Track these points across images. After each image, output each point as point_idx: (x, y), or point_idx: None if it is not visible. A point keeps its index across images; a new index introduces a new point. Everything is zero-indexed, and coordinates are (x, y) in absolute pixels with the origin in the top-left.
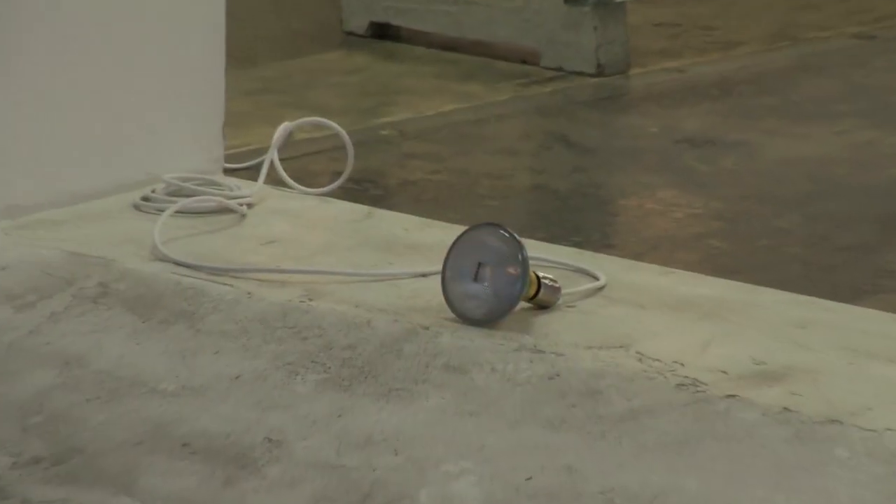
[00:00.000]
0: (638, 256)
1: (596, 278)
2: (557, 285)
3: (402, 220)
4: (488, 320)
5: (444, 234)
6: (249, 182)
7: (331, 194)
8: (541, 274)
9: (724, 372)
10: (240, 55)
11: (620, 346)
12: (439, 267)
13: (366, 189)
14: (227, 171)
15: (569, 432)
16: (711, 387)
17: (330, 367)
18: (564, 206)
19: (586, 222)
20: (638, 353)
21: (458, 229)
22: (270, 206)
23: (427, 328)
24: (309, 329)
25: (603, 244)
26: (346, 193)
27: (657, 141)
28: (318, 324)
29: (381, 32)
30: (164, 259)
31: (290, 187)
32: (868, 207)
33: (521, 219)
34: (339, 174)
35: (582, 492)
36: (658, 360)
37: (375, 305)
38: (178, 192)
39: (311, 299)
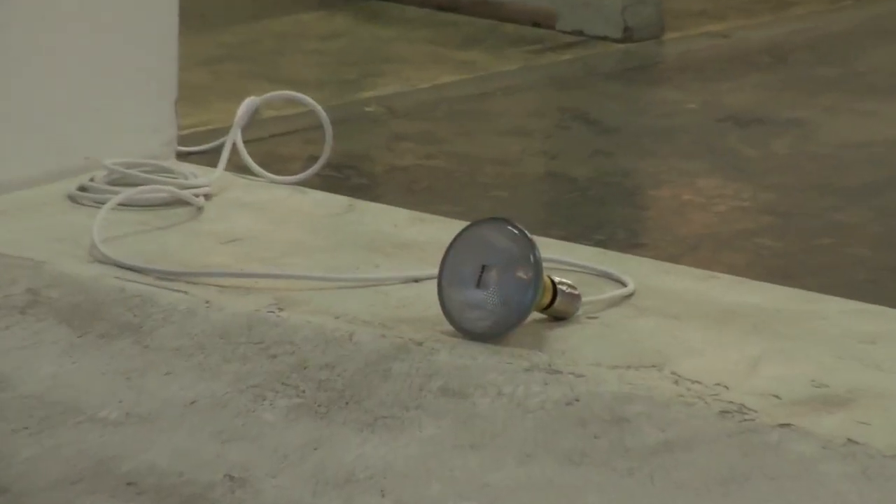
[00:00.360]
0: (673, 258)
1: (623, 284)
2: (576, 292)
3: (391, 215)
4: (494, 334)
5: (441, 230)
6: (208, 169)
7: (305, 183)
8: (557, 279)
9: (777, 396)
10: (196, 17)
11: (652, 366)
12: (435, 270)
13: (347, 177)
14: (181, 156)
15: (590, 469)
16: (761, 414)
17: (304, 391)
18: (584, 198)
19: (611, 217)
20: (673, 373)
21: (459, 225)
22: (233, 197)
23: (420, 344)
24: (279, 345)
25: (631, 243)
26: (323, 182)
27: (696, 119)
28: (289, 338)
29: None
30: (104, 261)
31: (256, 175)
32: None
33: (533, 213)
34: (314, 159)
35: None
36: (697, 382)
37: (358, 316)
38: (121, 181)
39: (281, 309)
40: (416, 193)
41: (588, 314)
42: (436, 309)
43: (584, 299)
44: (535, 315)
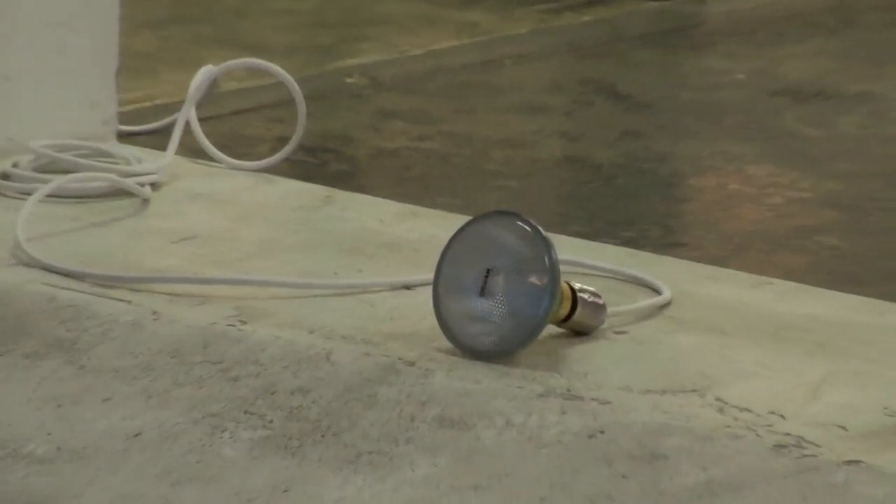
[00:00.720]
0: (718, 260)
1: (657, 292)
2: (601, 302)
3: (377, 208)
4: (501, 352)
5: (438, 227)
6: (155, 152)
7: (273, 170)
8: (577, 285)
9: (843, 427)
10: None
11: (693, 391)
12: (430, 275)
13: (324, 162)
14: (124, 137)
15: None
16: (824, 449)
17: (272, 421)
18: (611, 188)
19: (643, 211)
20: (718, 399)
21: (459, 220)
22: (186, 186)
23: (412, 364)
24: (241, 365)
25: (667, 242)
26: (295, 168)
27: (745, 93)
28: (254, 357)
29: None
30: (31, 264)
31: (213, 160)
32: None
33: (549, 206)
34: (285, 140)
35: None
36: (747, 409)
37: (337, 331)
38: (51, 167)
39: (244, 322)
40: (408, 182)
41: (615, 328)
42: (431, 321)
43: (609, 310)
44: (551, 329)
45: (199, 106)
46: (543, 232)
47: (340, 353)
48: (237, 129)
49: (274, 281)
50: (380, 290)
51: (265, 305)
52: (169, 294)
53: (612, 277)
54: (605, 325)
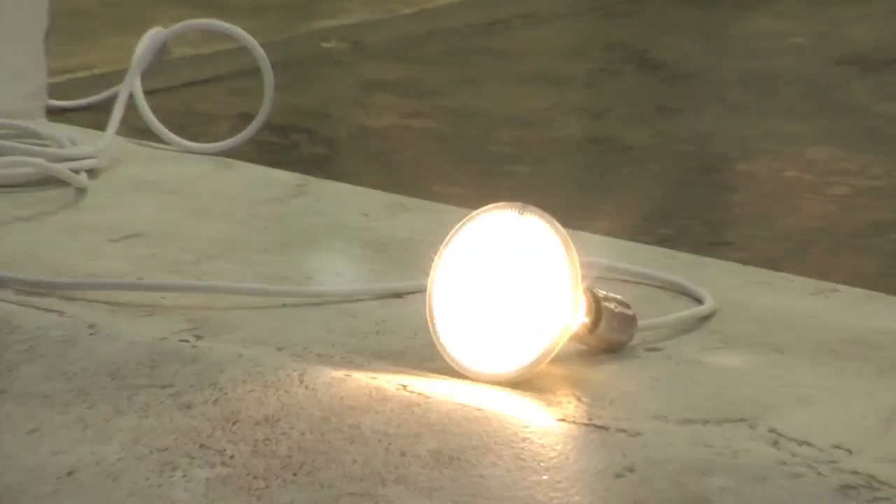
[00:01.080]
0: (772, 262)
1: (698, 300)
2: (630, 312)
3: (360, 199)
4: (510, 373)
5: (433, 223)
6: (93, 132)
7: (236, 153)
8: (602, 293)
9: None
10: None
11: (741, 420)
12: (423, 281)
13: (296, 144)
14: (55, 113)
15: None
16: None
17: (233, 457)
18: (643, 175)
19: (682, 203)
20: (772, 431)
21: (459, 215)
22: (130, 173)
23: (403, 388)
24: (196, 389)
25: (710, 241)
26: (261, 152)
27: (805, 60)
28: (211, 380)
29: None
30: None
31: (163, 141)
32: None
33: (568, 197)
34: (249, 118)
35: None
36: (807, 443)
37: (311, 348)
38: None
39: (199, 337)
40: (398, 168)
41: (648, 344)
42: (426, 337)
43: (640, 322)
44: (570, 345)
45: (146, 76)
46: (560, 228)
47: (316, 375)
48: (191, 104)
49: (236, 287)
50: (364, 299)
51: (225, 317)
52: (109, 303)
53: (644, 283)
54: (634, 341)
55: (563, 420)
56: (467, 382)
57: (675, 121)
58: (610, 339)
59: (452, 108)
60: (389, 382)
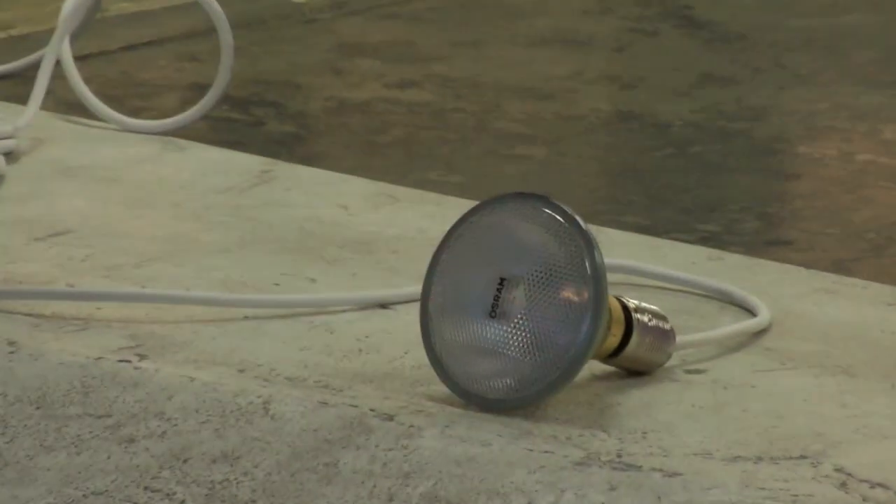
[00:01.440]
0: (840, 266)
1: (750, 312)
2: (667, 327)
3: (338, 189)
4: (521, 400)
5: (427, 217)
6: (11, 106)
7: (187, 132)
8: (632, 303)
9: None
10: None
11: (802, 457)
12: (416, 289)
13: (260, 121)
14: None
15: None
16: None
17: (184, 501)
18: (684, 160)
19: (730, 193)
20: (839, 469)
21: (459, 207)
22: (57, 156)
23: (391, 418)
24: (139, 420)
25: (765, 239)
26: (217, 130)
27: (883, 18)
28: (157, 409)
29: None
30: None
31: (98, 117)
32: None
33: (592, 185)
34: (203, 89)
35: None
36: (881, 485)
37: (280, 370)
38: None
39: (143, 356)
40: (384, 151)
41: (688, 365)
42: (419, 355)
43: (679, 339)
44: (594, 366)
45: (76, 38)
46: (583, 223)
47: (285, 403)
48: (132, 72)
49: (187, 296)
50: (343, 310)
51: (174, 332)
52: (32, 315)
53: (685, 291)
54: (672, 362)
55: (585, 458)
56: (469, 411)
57: (724, 92)
58: (643, 358)
59: (451, 77)
60: (374, 411)
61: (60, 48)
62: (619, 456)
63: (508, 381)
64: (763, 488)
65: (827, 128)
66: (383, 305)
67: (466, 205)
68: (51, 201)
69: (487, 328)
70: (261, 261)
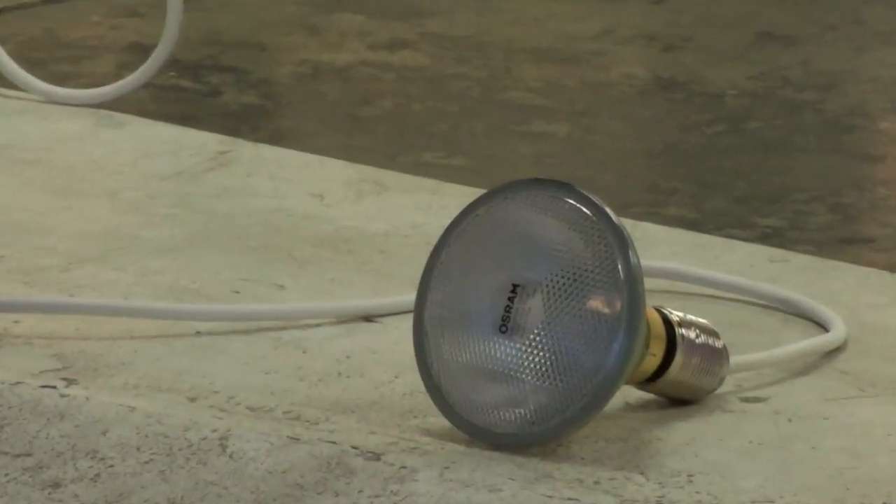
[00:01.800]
0: None
1: (822, 326)
2: (718, 345)
3: (312, 173)
4: (538, 435)
5: (423, 209)
6: None
7: (124, 103)
8: (676, 314)
9: None
10: None
11: None
12: (407, 297)
13: (216, 89)
14: None
15: None
16: None
17: None
18: (739, 138)
19: (796, 179)
20: None
21: (462, 197)
22: None
23: (378, 458)
24: (66, 459)
25: (840, 236)
26: (163, 101)
27: None
28: (89, 446)
29: None
30: None
31: (14, 85)
32: None
33: (627, 170)
34: (144, 50)
35: None
36: None
37: (240, 398)
38: None
39: (70, 381)
40: (368, 126)
41: (745, 392)
42: (412, 379)
43: (733, 359)
44: (629, 392)
45: None
46: (614, 217)
47: (247, 439)
48: (58, 30)
49: (124, 307)
50: (318, 324)
51: (109, 351)
52: None
53: (741, 300)
54: (724, 387)
55: None
56: (474, 448)
57: (787, 55)
58: (688, 383)
59: (451, 36)
60: (357, 449)
61: None
62: (660, 502)
63: (523, 411)
64: None
65: None
66: (368, 318)
67: (470, 194)
68: None
69: (497, 346)
70: (216, 263)
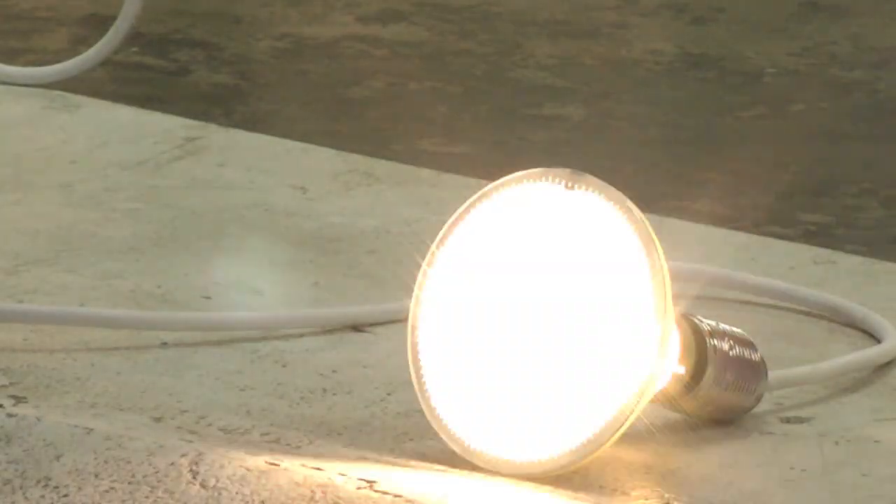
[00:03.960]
0: None
1: (873, 337)
2: (755, 357)
3: (294, 162)
4: (554, 462)
5: (419, 204)
6: None
7: (81, 83)
8: (708, 323)
9: None
10: None
11: None
12: (403, 304)
13: (185, 67)
14: None
15: None
16: None
17: None
18: (777, 121)
19: (845, 170)
20: None
21: (465, 190)
22: None
23: (369, 484)
24: (15, 487)
25: (893, 235)
26: (124, 81)
27: None
28: (40, 472)
29: None
30: None
31: None
32: None
33: (650, 159)
34: (102, 23)
35: None
36: None
37: (212, 418)
38: None
39: (19, 399)
40: (357, 110)
41: (785, 411)
42: (404, 398)
43: (773, 373)
44: (657, 412)
45: None
46: (637, 212)
47: (219, 464)
48: (6, 2)
49: (81, 314)
50: (300, 334)
51: (63, 366)
52: None
53: (782, 307)
54: (762, 405)
55: None
56: (476, 476)
57: (835, 28)
58: (721, 400)
59: (451, 7)
60: (344, 476)
61: None
62: None
63: (532, 434)
64: None
65: None
66: (357, 328)
67: (474, 186)
68: None
69: (503, 362)
70: (184, 265)
